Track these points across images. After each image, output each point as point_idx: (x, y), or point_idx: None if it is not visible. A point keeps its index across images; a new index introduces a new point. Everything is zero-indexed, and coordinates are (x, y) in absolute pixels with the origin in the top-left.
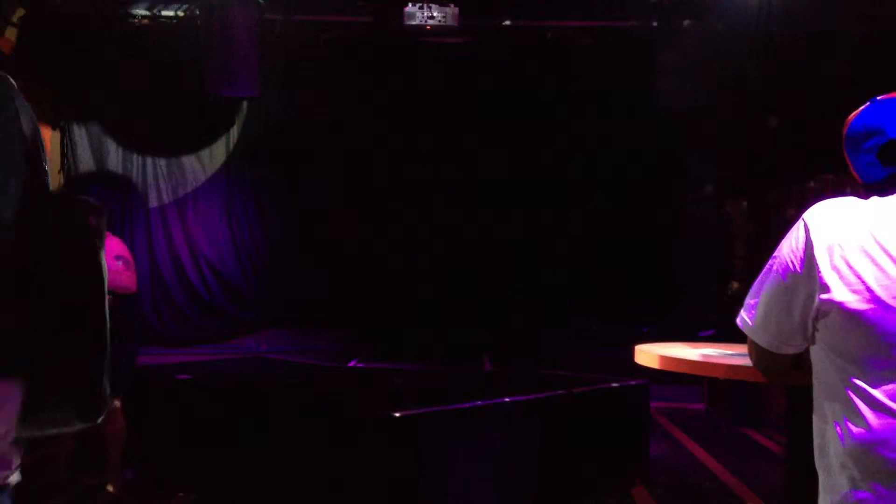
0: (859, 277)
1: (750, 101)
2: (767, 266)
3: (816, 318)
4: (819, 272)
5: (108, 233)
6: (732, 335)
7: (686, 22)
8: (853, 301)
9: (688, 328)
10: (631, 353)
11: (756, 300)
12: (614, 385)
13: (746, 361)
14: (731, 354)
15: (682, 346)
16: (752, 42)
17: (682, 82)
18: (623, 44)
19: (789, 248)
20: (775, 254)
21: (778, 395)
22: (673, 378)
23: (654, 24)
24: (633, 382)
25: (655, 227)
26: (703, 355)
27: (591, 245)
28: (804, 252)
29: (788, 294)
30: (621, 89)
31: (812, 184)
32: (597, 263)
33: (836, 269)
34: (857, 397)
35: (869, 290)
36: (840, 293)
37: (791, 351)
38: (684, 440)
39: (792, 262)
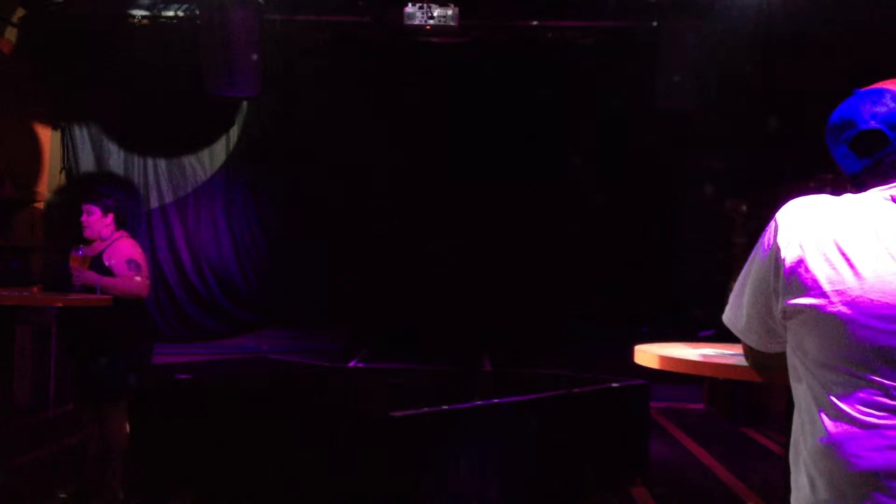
0: (817, 282)
1: (750, 101)
2: (746, 265)
3: (784, 319)
4: (784, 274)
5: (124, 232)
6: (732, 335)
7: (686, 22)
8: (810, 306)
9: (688, 328)
10: (631, 353)
11: (740, 300)
12: (614, 385)
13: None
14: (731, 354)
15: (682, 346)
16: (752, 42)
17: (681, 82)
18: (623, 44)
19: (762, 248)
20: (752, 253)
21: (778, 395)
22: (673, 378)
23: (654, 24)
24: (633, 382)
25: (655, 227)
26: (703, 355)
27: (590, 244)
28: (773, 253)
29: (765, 295)
30: (621, 89)
31: (812, 184)
32: (596, 263)
33: (795, 272)
34: (818, 401)
35: (825, 295)
36: (800, 297)
37: (780, 349)
38: (684, 440)
39: (764, 262)
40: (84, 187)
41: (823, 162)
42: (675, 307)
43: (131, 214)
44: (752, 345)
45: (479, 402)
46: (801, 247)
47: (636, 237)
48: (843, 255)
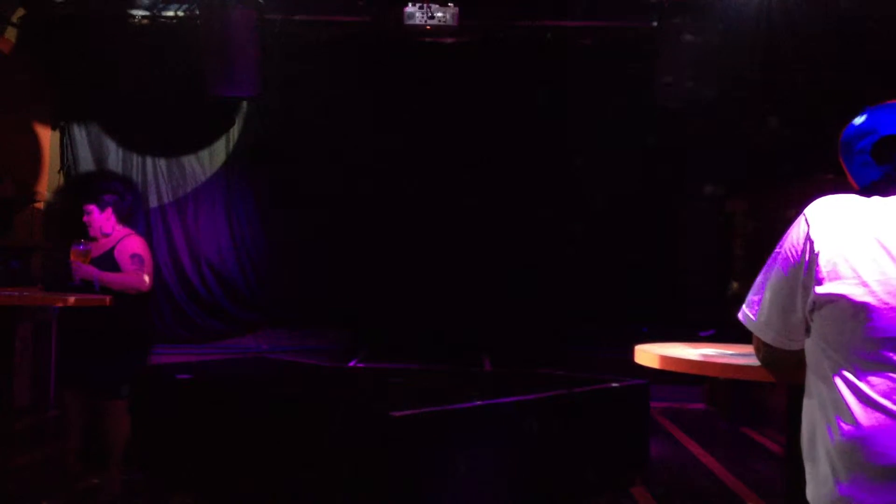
0: (856, 273)
1: (750, 101)
2: (769, 262)
3: (812, 311)
4: (818, 266)
5: (130, 229)
6: (732, 335)
7: (686, 22)
8: (849, 295)
9: (688, 328)
10: (631, 353)
11: (759, 296)
12: (614, 385)
13: (746, 361)
14: (731, 354)
15: (682, 346)
16: (752, 42)
17: (681, 82)
18: (623, 44)
19: (790, 243)
20: (777, 249)
21: (778, 395)
22: (673, 378)
23: (654, 24)
24: (633, 382)
25: (655, 227)
26: (703, 355)
27: (590, 245)
28: (804, 247)
29: (791, 289)
30: (621, 89)
31: (812, 184)
32: (597, 263)
33: (834, 263)
34: (848, 391)
35: (865, 285)
36: (836, 286)
37: (796, 347)
38: (684, 440)
39: (793, 257)
40: (83, 188)
41: (823, 162)
42: (675, 307)
43: (135, 208)
44: (769, 341)
45: (479, 402)
46: (838, 239)
47: (636, 237)
48: (885, 248)
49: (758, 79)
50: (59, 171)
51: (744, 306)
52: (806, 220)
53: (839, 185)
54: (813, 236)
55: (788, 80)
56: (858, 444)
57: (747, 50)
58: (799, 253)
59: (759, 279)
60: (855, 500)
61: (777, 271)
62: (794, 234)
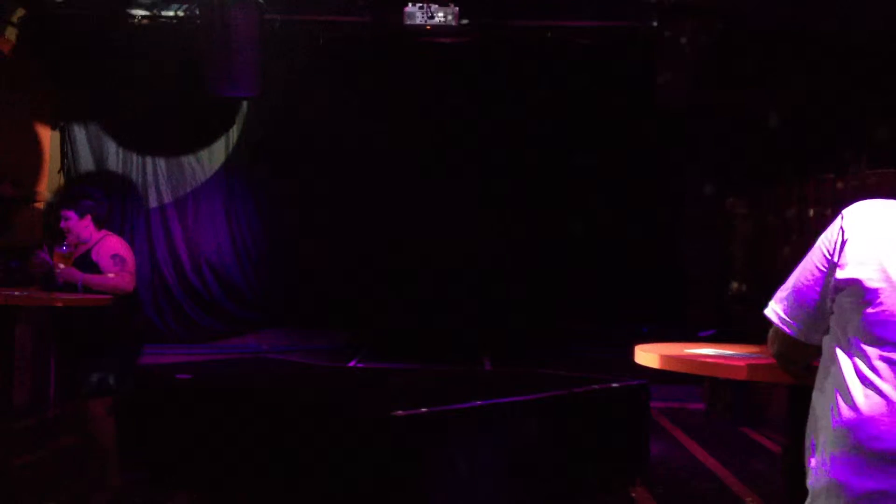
0: (878, 259)
1: (750, 101)
2: (803, 260)
3: (833, 299)
4: (843, 252)
5: (106, 231)
6: (732, 335)
7: (686, 22)
8: (864, 279)
9: (688, 328)
10: (631, 353)
11: (789, 292)
12: (614, 385)
13: (746, 361)
14: (731, 354)
15: (682, 346)
16: (752, 42)
17: (681, 82)
18: (623, 44)
19: (825, 238)
20: (812, 249)
21: (778, 395)
22: (673, 378)
23: (654, 24)
24: (633, 382)
25: (655, 227)
26: (703, 355)
27: (591, 245)
28: (837, 238)
29: (823, 278)
30: (621, 89)
31: (812, 184)
32: (597, 263)
33: (859, 251)
34: (852, 375)
35: (883, 270)
36: (855, 270)
37: (815, 341)
38: (684, 440)
39: (827, 250)
40: (64, 193)
41: (823, 162)
42: (675, 307)
43: (118, 212)
44: (791, 331)
45: (479, 402)
46: (868, 231)
47: (636, 237)
48: None
49: (758, 79)
50: (59, 171)
51: (771, 302)
52: (841, 216)
53: (839, 186)
54: (845, 227)
55: (788, 79)
56: (855, 426)
57: (747, 50)
58: (831, 244)
59: (790, 278)
60: (848, 485)
61: (810, 266)
62: (830, 230)
